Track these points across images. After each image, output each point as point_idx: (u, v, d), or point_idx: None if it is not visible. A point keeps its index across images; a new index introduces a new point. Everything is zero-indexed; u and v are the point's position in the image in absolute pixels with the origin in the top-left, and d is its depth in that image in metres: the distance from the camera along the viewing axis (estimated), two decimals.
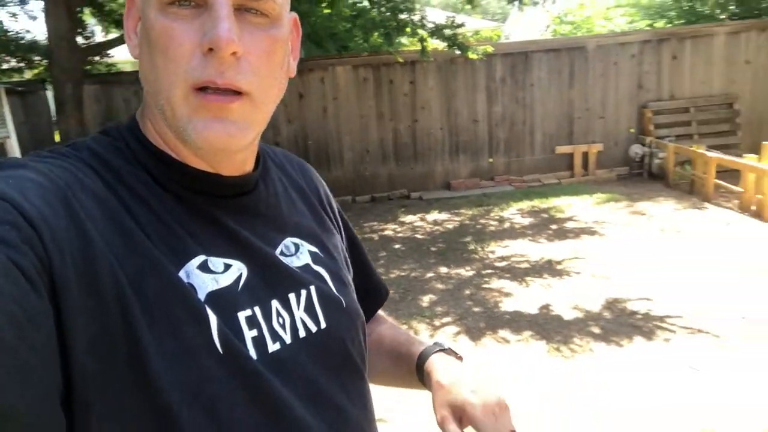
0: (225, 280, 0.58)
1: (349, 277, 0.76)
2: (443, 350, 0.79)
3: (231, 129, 0.57)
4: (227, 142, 0.58)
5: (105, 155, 0.59)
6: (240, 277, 0.60)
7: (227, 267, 0.59)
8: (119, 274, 0.51)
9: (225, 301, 0.57)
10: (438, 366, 0.75)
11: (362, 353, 0.72)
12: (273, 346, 0.59)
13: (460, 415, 0.68)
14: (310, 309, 0.65)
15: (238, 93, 0.56)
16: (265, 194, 0.69)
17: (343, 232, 0.82)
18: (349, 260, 0.79)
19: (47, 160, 0.56)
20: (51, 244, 0.47)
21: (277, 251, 0.66)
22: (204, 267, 0.58)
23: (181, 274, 0.55)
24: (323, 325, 0.65)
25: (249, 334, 0.57)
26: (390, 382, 0.83)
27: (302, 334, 0.63)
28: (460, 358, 0.79)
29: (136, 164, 0.60)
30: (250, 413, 0.55)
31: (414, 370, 0.78)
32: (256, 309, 0.59)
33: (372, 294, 0.84)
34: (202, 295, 0.56)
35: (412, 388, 0.82)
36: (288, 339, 0.61)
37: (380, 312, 0.90)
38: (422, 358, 0.78)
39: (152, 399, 0.50)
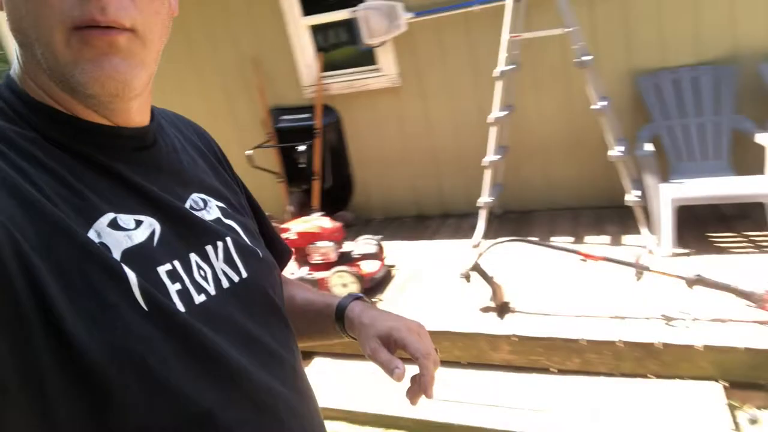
0: (139, 237, 0.56)
1: (257, 233, 0.76)
2: (358, 298, 0.83)
3: (122, 67, 0.54)
4: (119, 82, 0.55)
5: None
6: (153, 232, 0.57)
7: (138, 223, 0.57)
8: (20, 241, 0.47)
9: (142, 257, 0.55)
10: (358, 310, 0.79)
11: (283, 301, 0.73)
12: (199, 298, 0.58)
13: (387, 342, 0.73)
14: (229, 260, 0.64)
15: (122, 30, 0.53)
16: (165, 149, 0.66)
17: (243, 192, 0.80)
18: (254, 220, 0.78)
19: None
20: None
21: (187, 205, 0.64)
22: (114, 225, 0.54)
23: (91, 234, 0.52)
24: (245, 274, 0.65)
25: (173, 288, 0.56)
26: (305, 338, 0.83)
27: (225, 284, 0.62)
28: (374, 304, 0.91)
29: (21, 123, 0.55)
30: (184, 365, 0.54)
31: (333, 321, 0.81)
32: (176, 263, 0.57)
33: (276, 253, 0.81)
34: (116, 254, 0.53)
35: (328, 340, 0.86)
36: (212, 290, 0.60)
37: (283, 274, 0.87)
38: (341, 308, 0.81)
39: (76, 364, 0.48)
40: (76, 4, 0.51)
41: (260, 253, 0.70)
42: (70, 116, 0.57)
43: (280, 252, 0.84)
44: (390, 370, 0.68)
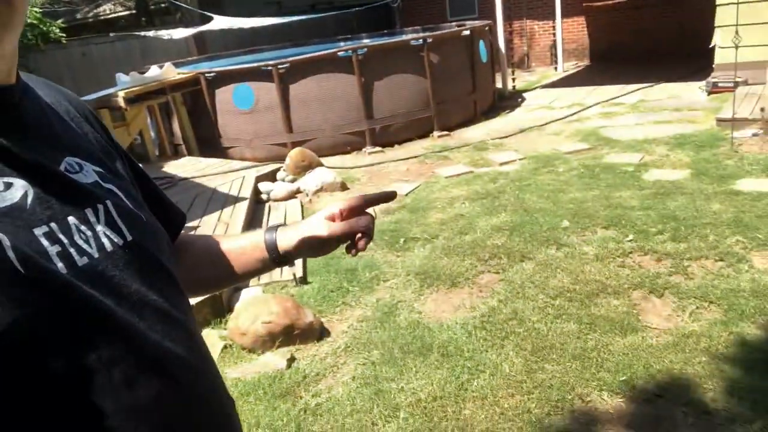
0: (9, 199, 0.53)
1: (141, 198, 0.71)
2: (280, 225, 0.87)
3: None
4: None
5: None
6: (26, 194, 0.54)
7: (8, 185, 0.53)
8: None
9: (15, 218, 0.52)
10: (286, 231, 0.85)
11: (174, 265, 0.70)
12: (81, 260, 0.55)
13: (333, 219, 0.82)
14: (111, 224, 0.61)
15: None
16: (33, 111, 0.62)
17: (124, 159, 0.75)
18: (136, 186, 0.74)
19: None
20: None
21: (61, 168, 0.60)
22: None
23: None
24: (129, 237, 0.62)
25: (52, 250, 0.53)
26: (235, 279, 0.88)
27: (109, 247, 0.59)
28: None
29: None
30: (70, 327, 0.52)
31: (266, 252, 0.84)
32: (53, 225, 0.55)
33: (171, 218, 0.82)
34: None
35: (258, 274, 0.94)
36: (95, 253, 0.57)
37: (185, 234, 0.88)
38: (269, 238, 0.85)
39: None
40: None
41: (144, 217, 0.68)
42: None
43: (173, 216, 0.85)
44: (357, 227, 0.81)
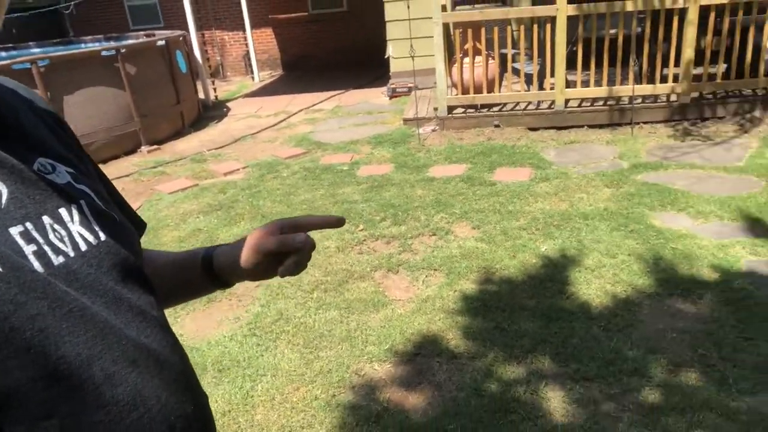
0: None
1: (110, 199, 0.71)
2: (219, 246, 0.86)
3: None
4: None
5: None
6: (0, 194, 0.53)
7: None
8: None
9: None
10: (227, 246, 0.84)
11: (143, 264, 0.69)
12: (57, 259, 0.55)
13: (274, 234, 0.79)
14: (85, 223, 0.61)
15: None
16: (5, 110, 0.61)
17: (90, 164, 0.74)
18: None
19: None
20: None
21: (34, 168, 0.59)
22: None
23: None
24: (102, 237, 0.61)
25: (28, 249, 0.53)
26: (171, 299, 0.85)
27: (84, 247, 0.59)
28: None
29: None
30: (47, 323, 0.50)
31: (200, 269, 0.83)
32: (28, 225, 0.54)
33: (132, 225, 0.76)
34: None
35: (194, 294, 0.89)
36: (71, 252, 0.57)
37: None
38: (207, 254, 0.84)
39: None
40: None
41: (116, 217, 0.67)
42: None
43: (132, 219, 0.79)
44: (295, 241, 0.76)
